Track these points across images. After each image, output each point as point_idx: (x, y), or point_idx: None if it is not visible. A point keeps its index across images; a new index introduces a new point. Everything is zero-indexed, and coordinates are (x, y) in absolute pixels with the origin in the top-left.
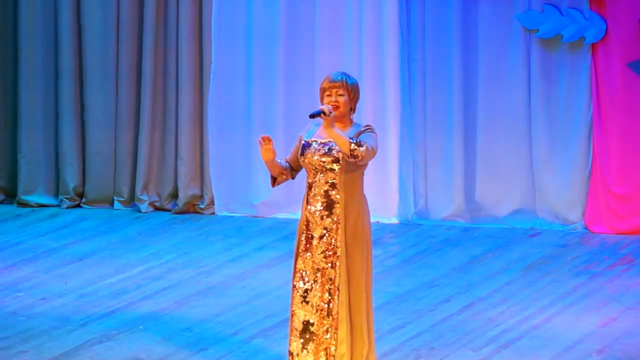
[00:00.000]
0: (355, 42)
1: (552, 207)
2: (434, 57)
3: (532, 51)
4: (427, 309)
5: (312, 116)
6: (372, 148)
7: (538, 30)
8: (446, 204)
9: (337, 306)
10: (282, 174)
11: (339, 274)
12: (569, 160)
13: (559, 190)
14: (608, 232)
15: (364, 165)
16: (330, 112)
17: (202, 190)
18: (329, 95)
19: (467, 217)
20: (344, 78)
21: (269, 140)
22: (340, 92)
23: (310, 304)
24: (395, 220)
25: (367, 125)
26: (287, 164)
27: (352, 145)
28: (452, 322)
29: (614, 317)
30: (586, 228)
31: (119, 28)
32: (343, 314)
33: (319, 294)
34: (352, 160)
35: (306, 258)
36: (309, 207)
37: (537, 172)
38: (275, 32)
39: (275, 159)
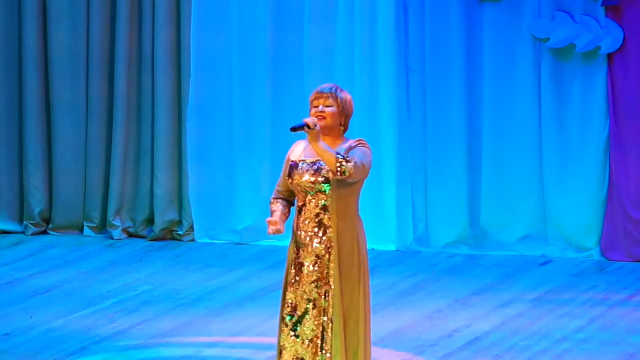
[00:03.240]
0: (348, 52)
1: (565, 233)
2: (435, 67)
3: (542, 62)
4: (428, 344)
5: (294, 129)
6: (363, 164)
7: (549, 39)
8: (449, 230)
9: (331, 340)
10: (285, 214)
11: (332, 304)
12: (583, 181)
13: (573, 214)
14: (626, 259)
15: (359, 185)
16: (316, 125)
17: (180, 215)
18: (316, 107)
19: (471, 243)
20: (334, 89)
21: (275, 223)
22: (329, 102)
23: (301, 338)
24: (392, 247)
25: (358, 140)
26: (282, 198)
27: (339, 160)
28: (456, 359)
29: (633, 354)
30: (602, 255)
31: (89, 38)
32: (337, 349)
33: (311, 327)
34: (340, 177)
35: (296, 289)
36: (299, 233)
37: (549, 194)
38: (260, 43)
39: (282, 217)
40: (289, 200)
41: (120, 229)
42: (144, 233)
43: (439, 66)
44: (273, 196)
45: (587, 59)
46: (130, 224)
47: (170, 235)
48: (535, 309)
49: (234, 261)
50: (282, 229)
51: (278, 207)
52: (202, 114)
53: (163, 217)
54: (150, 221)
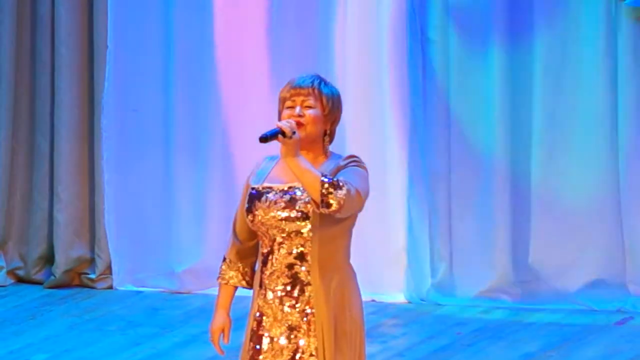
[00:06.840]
0: (333, 17)
1: None
2: (463, 37)
3: (620, 29)
4: None
5: (264, 139)
6: (358, 192)
7: None
8: (483, 273)
9: None
10: (243, 278)
11: None
12: None
13: None
14: None
15: (351, 222)
16: (294, 133)
17: (92, 250)
18: (290, 107)
19: (516, 292)
20: (316, 83)
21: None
22: (309, 102)
23: None
24: (401, 299)
25: (351, 157)
26: (241, 253)
27: (325, 185)
28: None
29: None
30: None
31: None
32: None
33: None
34: (325, 211)
35: None
36: (262, 291)
37: (628, 221)
38: (211, 5)
39: (228, 310)
40: (253, 249)
41: (4, 270)
42: (40, 277)
43: (468, 36)
44: (228, 251)
45: None
46: (20, 264)
47: (77, 279)
48: None
49: (171, 318)
50: (225, 341)
51: (227, 288)
52: (124, 105)
53: (67, 254)
54: (49, 259)
